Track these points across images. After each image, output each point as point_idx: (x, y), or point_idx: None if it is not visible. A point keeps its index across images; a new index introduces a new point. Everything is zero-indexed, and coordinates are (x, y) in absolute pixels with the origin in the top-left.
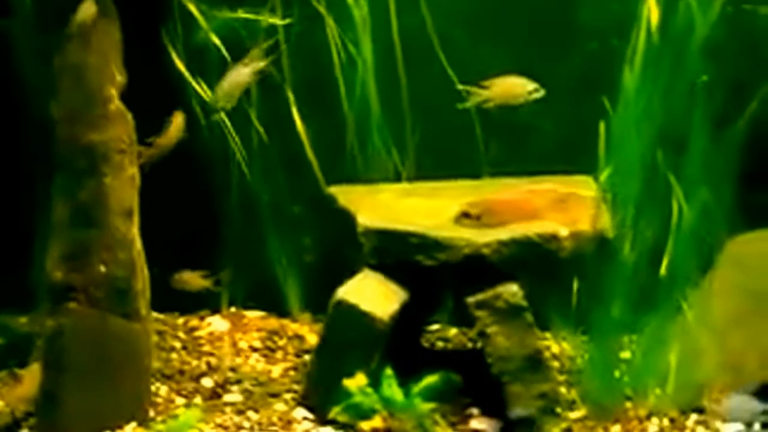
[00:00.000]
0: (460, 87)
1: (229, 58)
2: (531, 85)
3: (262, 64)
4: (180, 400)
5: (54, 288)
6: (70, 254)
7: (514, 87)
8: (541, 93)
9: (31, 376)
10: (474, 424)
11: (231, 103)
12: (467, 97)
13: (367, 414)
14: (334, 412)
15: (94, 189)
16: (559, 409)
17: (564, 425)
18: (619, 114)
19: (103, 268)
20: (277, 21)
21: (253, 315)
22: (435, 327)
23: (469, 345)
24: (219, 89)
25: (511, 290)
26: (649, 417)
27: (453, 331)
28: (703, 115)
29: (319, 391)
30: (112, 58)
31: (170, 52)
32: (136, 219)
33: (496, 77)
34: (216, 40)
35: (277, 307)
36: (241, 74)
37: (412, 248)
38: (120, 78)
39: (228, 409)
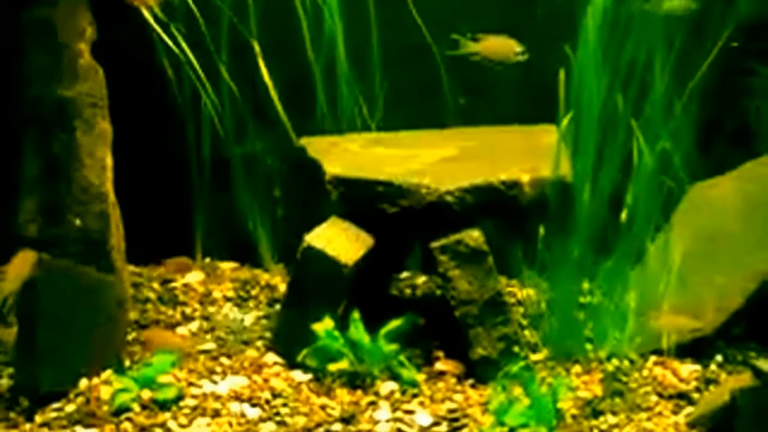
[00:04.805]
0: (453, 36)
1: (197, 14)
2: (519, 48)
3: None
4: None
5: (27, 241)
6: (44, 208)
7: (503, 46)
8: (526, 56)
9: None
10: (439, 365)
11: None
12: (457, 46)
13: (334, 357)
14: (302, 356)
15: (65, 143)
16: (516, 348)
17: (523, 364)
18: (580, 60)
19: (77, 221)
20: None
21: (226, 266)
22: (404, 275)
23: (438, 292)
24: None
25: (473, 235)
26: (609, 358)
27: (422, 279)
28: (664, 61)
29: (288, 335)
30: (81, 12)
31: (140, 7)
32: (109, 173)
33: (488, 34)
34: None
35: (250, 259)
36: None
37: (377, 196)
38: (90, 32)
39: (201, 357)
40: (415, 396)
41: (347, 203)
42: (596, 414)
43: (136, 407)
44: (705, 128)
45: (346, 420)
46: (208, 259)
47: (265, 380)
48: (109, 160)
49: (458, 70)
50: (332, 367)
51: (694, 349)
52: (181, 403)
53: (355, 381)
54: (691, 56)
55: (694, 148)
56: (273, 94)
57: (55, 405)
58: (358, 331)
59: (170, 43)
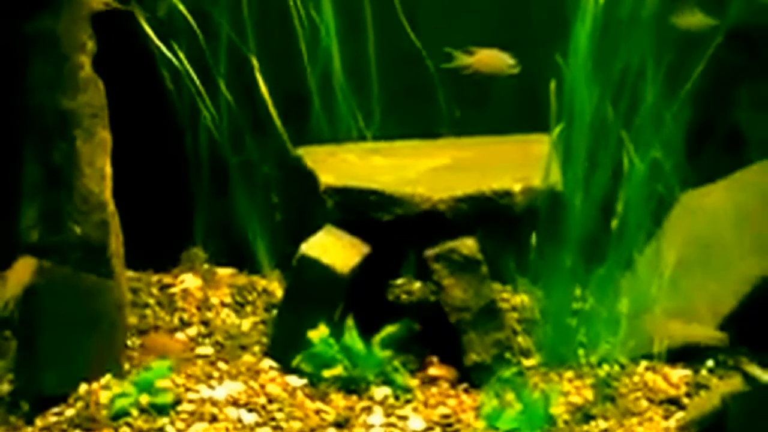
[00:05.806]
0: (446, 50)
1: (195, 26)
2: (511, 60)
3: None
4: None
5: (29, 249)
6: (45, 215)
7: (496, 59)
8: (518, 69)
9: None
10: (432, 371)
11: None
12: (451, 59)
13: (329, 363)
14: (298, 361)
15: (66, 152)
16: (509, 354)
17: (516, 370)
18: (571, 70)
19: (77, 229)
20: None
21: (224, 272)
22: (400, 281)
23: (432, 298)
24: None
25: (467, 243)
26: (600, 364)
27: (417, 285)
28: (655, 70)
29: (284, 341)
30: (82, 25)
31: (139, 20)
32: (108, 181)
33: (481, 48)
34: (182, 8)
35: (247, 265)
36: None
37: (371, 205)
38: (90, 45)
39: (199, 362)
40: (408, 401)
41: (342, 211)
42: (588, 419)
43: (134, 412)
44: (696, 136)
45: (341, 425)
46: (206, 266)
47: (262, 385)
48: (108, 169)
49: (454, 82)
50: (327, 372)
51: (685, 354)
52: (179, 408)
53: (349, 386)
54: (683, 63)
55: (685, 156)
56: (269, 104)
57: (55, 409)
58: (352, 337)
59: (170, 55)
